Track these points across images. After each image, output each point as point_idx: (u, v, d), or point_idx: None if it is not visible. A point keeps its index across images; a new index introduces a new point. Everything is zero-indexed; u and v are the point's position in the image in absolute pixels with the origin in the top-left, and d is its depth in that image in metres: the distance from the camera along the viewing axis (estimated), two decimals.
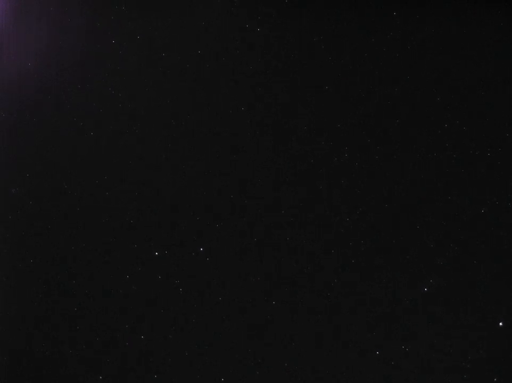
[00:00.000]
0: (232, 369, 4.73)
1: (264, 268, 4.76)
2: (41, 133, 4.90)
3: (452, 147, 4.68)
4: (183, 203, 4.83)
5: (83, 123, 4.89)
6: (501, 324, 4.55)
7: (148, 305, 4.78)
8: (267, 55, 4.83)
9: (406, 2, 4.72)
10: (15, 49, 4.95)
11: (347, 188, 4.74)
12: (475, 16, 4.68)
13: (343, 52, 4.78)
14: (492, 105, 4.66)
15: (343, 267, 4.72)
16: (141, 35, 4.90)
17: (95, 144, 4.87)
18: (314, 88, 4.79)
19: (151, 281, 4.79)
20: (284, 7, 4.82)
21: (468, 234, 4.63)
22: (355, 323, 4.68)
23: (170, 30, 4.89)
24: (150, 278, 4.79)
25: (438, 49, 4.72)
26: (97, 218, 4.83)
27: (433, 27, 4.73)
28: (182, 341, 4.76)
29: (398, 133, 4.72)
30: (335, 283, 4.71)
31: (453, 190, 4.66)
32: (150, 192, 4.84)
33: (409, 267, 4.66)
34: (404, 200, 4.69)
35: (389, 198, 4.71)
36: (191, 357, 4.75)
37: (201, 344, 4.75)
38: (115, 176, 4.86)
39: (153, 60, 4.89)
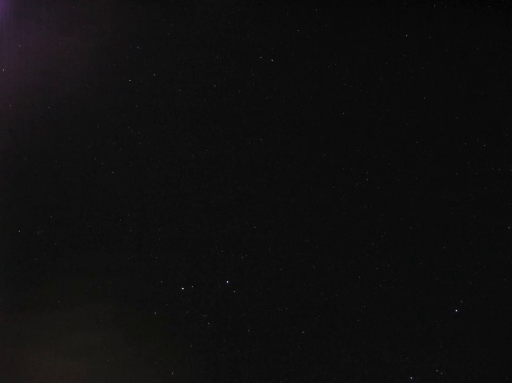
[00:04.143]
0: None
1: (291, 298, 4.74)
2: (63, 174, 4.94)
3: (475, 166, 4.68)
4: (208, 237, 4.83)
5: (103, 162, 4.93)
6: None
7: (177, 340, 4.76)
8: (282, 84, 4.88)
9: (420, 25, 4.77)
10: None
11: (370, 212, 4.74)
12: (493, 40, 4.72)
13: (358, 77, 4.82)
14: None
15: (370, 292, 4.69)
16: (157, 73, 4.97)
17: (116, 182, 4.90)
18: (332, 114, 4.82)
19: (179, 317, 4.77)
20: (299, 37, 4.87)
21: (496, 253, 4.60)
22: (386, 349, 4.63)
23: (185, 66, 4.96)
24: (178, 314, 4.78)
25: (454, 69, 4.75)
26: (123, 256, 4.84)
27: (449, 48, 4.77)
28: (212, 375, 4.72)
29: (419, 155, 4.73)
30: (363, 309, 4.68)
31: (478, 209, 4.65)
32: (174, 228, 4.85)
33: (438, 289, 4.63)
34: (428, 221, 4.68)
35: (413, 220, 4.69)
36: None
37: (232, 378, 4.71)
38: (138, 214, 4.88)
39: (170, 97, 4.94)
